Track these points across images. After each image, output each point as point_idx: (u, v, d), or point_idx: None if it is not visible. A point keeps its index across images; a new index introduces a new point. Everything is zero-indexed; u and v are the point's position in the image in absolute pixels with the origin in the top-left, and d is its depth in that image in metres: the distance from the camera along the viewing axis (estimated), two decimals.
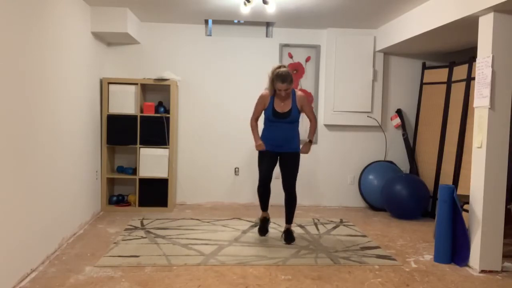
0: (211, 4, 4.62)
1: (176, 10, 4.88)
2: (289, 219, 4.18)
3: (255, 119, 4.17)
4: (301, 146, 4.15)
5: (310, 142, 4.18)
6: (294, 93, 4.08)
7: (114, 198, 5.35)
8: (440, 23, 4.06)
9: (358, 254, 3.84)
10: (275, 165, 4.14)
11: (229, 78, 5.67)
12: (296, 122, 4.09)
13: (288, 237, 4.12)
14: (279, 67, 4.01)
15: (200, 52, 5.63)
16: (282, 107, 4.03)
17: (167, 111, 5.31)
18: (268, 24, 5.66)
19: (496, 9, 3.36)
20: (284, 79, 3.90)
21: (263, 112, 4.14)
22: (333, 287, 3.12)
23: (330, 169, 5.83)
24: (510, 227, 3.78)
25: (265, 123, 4.14)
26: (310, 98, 5.74)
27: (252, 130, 4.16)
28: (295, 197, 4.13)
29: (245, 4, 4.18)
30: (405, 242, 4.27)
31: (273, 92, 4.04)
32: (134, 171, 5.34)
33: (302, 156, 5.73)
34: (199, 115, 5.65)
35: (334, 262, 3.62)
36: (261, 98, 4.11)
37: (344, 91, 5.64)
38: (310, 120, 4.20)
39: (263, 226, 4.24)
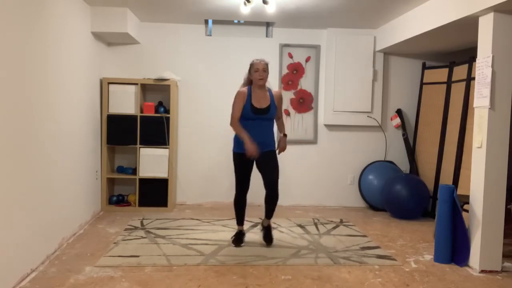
0: (211, 4, 4.62)
1: (176, 10, 4.88)
2: (269, 214, 3.99)
3: (237, 118, 3.86)
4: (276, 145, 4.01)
5: (285, 135, 4.06)
6: (270, 91, 3.98)
7: (114, 198, 5.35)
8: (440, 23, 4.06)
9: (358, 254, 3.84)
10: (251, 171, 3.97)
11: (229, 78, 5.67)
12: (273, 120, 3.98)
13: (268, 236, 4.01)
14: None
15: (200, 52, 5.63)
16: (260, 103, 3.87)
17: (167, 111, 5.31)
18: (268, 24, 5.66)
19: (496, 9, 3.36)
20: (260, 59, 3.91)
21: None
22: (333, 287, 3.13)
23: (330, 169, 5.83)
24: (510, 227, 3.78)
25: (241, 123, 3.89)
26: (310, 98, 5.75)
27: (238, 130, 3.84)
28: (277, 194, 3.90)
29: (245, 4, 4.18)
30: (405, 242, 4.28)
31: (249, 88, 3.91)
32: (134, 171, 5.35)
33: (299, 155, 5.81)
34: (199, 115, 5.65)
35: (334, 262, 3.62)
36: (240, 94, 3.88)
37: (344, 91, 5.64)
38: (278, 119, 4.11)
39: (239, 239, 4.02)
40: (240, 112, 3.87)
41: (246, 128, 3.86)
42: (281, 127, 4.16)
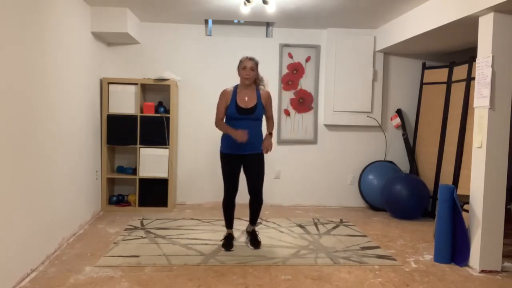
0: (211, 4, 4.62)
1: (176, 10, 4.88)
2: (253, 220, 3.99)
3: (220, 118, 3.85)
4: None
5: (271, 134, 3.89)
6: (258, 91, 3.87)
7: (114, 198, 5.35)
8: (440, 23, 4.06)
9: (358, 254, 3.84)
10: (239, 172, 3.90)
11: (229, 78, 5.60)
12: (260, 120, 3.86)
13: (254, 241, 3.94)
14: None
15: (200, 52, 5.63)
16: (246, 102, 3.79)
17: (167, 111, 5.31)
18: (268, 24, 5.66)
19: (496, 9, 3.36)
20: (250, 57, 3.80)
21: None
22: (333, 287, 3.13)
23: (330, 169, 5.83)
24: (510, 227, 3.78)
25: (227, 123, 3.86)
26: (310, 98, 5.75)
27: (222, 127, 3.82)
28: (261, 200, 3.92)
29: (245, 4, 4.18)
30: (405, 242, 4.28)
31: (235, 87, 3.86)
32: (134, 171, 5.34)
33: (299, 155, 5.81)
34: (199, 115, 5.65)
35: (334, 262, 3.62)
36: (223, 94, 3.86)
37: (344, 91, 5.64)
38: (268, 119, 3.96)
39: (228, 243, 3.92)
40: (223, 113, 3.85)
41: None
42: (269, 127, 3.97)
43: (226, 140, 3.86)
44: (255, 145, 3.81)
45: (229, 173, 3.89)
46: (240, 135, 3.66)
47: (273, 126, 4.01)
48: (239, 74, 3.83)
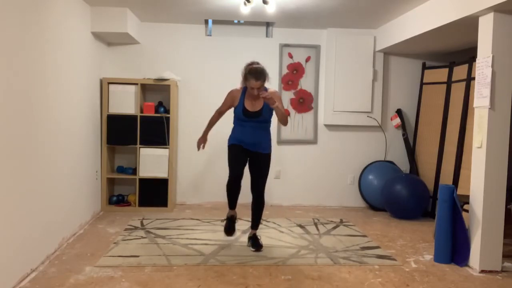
0: (211, 4, 4.62)
1: (176, 10, 4.88)
2: (255, 224, 3.98)
3: (218, 112, 3.98)
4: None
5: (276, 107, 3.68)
6: (266, 90, 3.78)
7: (114, 198, 5.35)
8: (440, 23, 4.06)
9: (358, 254, 3.84)
10: (246, 159, 3.87)
11: (229, 78, 5.64)
12: (267, 122, 3.86)
13: (256, 244, 3.88)
14: (252, 63, 3.77)
15: (200, 52, 5.64)
16: (253, 105, 3.80)
17: (167, 111, 5.31)
18: (268, 24, 5.66)
19: (496, 9, 3.36)
20: (258, 76, 3.64)
21: (231, 110, 3.93)
22: (333, 287, 3.13)
23: (330, 169, 5.83)
24: (510, 227, 3.78)
25: (235, 122, 3.92)
26: (310, 98, 5.75)
27: (209, 122, 4.04)
28: (263, 200, 3.93)
29: (245, 4, 4.18)
30: (405, 242, 4.28)
31: (244, 88, 3.83)
32: (134, 171, 5.34)
33: (299, 155, 5.81)
34: (199, 115, 5.63)
35: (334, 262, 3.62)
36: (230, 94, 3.88)
37: (344, 91, 5.64)
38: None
39: (230, 225, 3.97)
40: (223, 108, 3.97)
41: (240, 128, 3.86)
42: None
43: (235, 136, 3.91)
44: (262, 146, 3.85)
45: (235, 161, 3.82)
46: (199, 141, 4.09)
47: (284, 111, 3.77)
48: (246, 85, 3.77)
